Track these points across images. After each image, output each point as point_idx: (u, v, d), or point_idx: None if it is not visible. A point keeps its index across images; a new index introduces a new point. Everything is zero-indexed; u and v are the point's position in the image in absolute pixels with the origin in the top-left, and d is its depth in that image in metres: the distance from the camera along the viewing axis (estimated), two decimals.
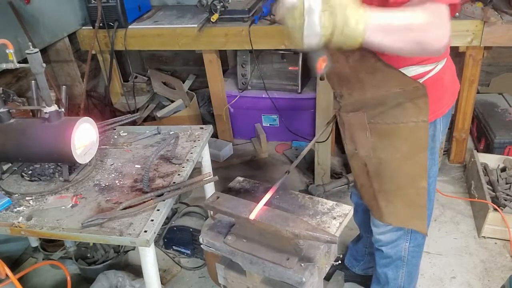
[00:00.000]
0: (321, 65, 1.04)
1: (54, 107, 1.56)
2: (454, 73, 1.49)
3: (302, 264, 1.25)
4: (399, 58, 1.26)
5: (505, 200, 2.36)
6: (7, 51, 1.49)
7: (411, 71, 1.31)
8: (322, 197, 1.58)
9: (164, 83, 3.41)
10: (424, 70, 1.33)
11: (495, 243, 2.31)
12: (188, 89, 3.49)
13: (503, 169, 2.61)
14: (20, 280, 1.56)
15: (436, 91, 1.36)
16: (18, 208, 1.54)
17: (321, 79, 2.40)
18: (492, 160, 2.66)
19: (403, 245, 1.67)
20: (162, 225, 1.77)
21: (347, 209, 1.48)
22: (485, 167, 2.60)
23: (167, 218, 2.38)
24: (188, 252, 2.36)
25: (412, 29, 1.01)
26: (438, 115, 1.43)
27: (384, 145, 1.46)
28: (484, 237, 2.34)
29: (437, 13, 1.03)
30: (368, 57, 1.28)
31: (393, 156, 1.45)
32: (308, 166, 2.92)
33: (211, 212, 1.56)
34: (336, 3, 0.95)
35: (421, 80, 1.32)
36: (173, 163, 1.73)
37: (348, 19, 0.96)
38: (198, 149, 1.82)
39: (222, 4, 2.61)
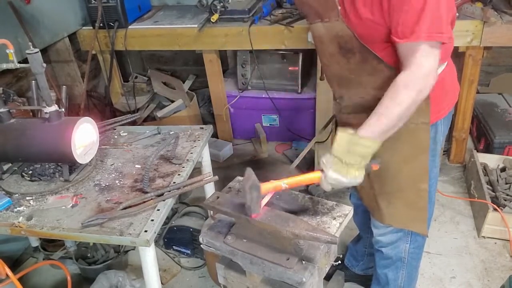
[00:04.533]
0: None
1: (54, 107, 1.56)
2: (455, 76, 1.49)
3: (303, 263, 1.25)
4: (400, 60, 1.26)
5: (505, 200, 2.36)
6: (7, 51, 1.49)
7: None
8: (322, 197, 1.58)
9: (164, 83, 3.41)
10: None
11: (495, 243, 2.32)
12: (188, 89, 3.49)
13: (503, 169, 2.61)
14: (20, 280, 1.56)
15: (437, 94, 1.35)
16: (18, 208, 1.54)
17: (321, 79, 2.41)
18: (491, 160, 2.66)
19: (403, 246, 1.67)
20: (162, 225, 1.77)
21: (347, 210, 1.48)
22: (485, 167, 2.60)
23: (167, 218, 2.38)
24: (188, 252, 2.36)
25: (405, 111, 1.21)
26: (439, 117, 1.43)
27: (385, 147, 1.45)
28: (484, 237, 2.34)
29: (417, 67, 1.17)
30: (370, 59, 1.28)
31: (393, 158, 1.45)
32: (308, 166, 2.92)
33: (211, 212, 1.56)
34: (342, 153, 1.24)
35: None
36: (173, 163, 1.73)
37: (363, 156, 1.24)
38: (198, 149, 1.82)
39: (222, 4, 2.61)
